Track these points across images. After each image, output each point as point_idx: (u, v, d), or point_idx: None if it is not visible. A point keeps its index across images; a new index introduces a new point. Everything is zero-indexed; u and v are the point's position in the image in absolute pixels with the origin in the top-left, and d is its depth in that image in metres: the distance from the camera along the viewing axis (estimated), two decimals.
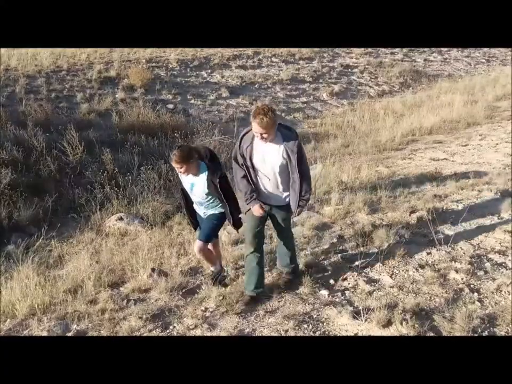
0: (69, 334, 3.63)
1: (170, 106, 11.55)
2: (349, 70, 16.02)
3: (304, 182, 3.65)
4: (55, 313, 3.97)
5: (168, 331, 3.54)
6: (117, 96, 11.31)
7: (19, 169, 7.59)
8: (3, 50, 12.31)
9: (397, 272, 4.08)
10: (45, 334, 3.63)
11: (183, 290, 4.16)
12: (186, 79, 13.14)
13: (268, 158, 3.60)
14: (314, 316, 3.52)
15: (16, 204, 6.90)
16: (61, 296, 4.27)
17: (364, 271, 4.12)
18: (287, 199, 3.78)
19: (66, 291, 4.40)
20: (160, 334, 3.50)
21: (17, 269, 4.97)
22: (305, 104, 13.22)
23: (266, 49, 16.02)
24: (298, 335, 3.32)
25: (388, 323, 3.26)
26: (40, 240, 6.05)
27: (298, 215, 3.88)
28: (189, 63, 14.03)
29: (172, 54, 14.28)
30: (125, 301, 4.07)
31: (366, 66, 16.33)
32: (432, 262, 4.24)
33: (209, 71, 13.94)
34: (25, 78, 10.98)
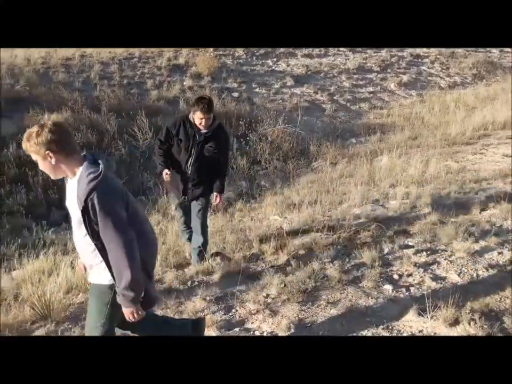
0: None
1: (236, 94, 11.67)
2: (419, 60, 15.45)
3: (114, 267, 2.35)
4: None
5: (230, 314, 3.63)
6: (184, 83, 11.57)
7: (93, 152, 7.97)
8: None
9: (465, 270, 3.94)
10: None
11: (245, 276, 4.22)
12: (252, 68, 13.22)
13: (69, 208, 2.46)
14: (378, 310, 3.48)
15: None
16: None
17: (430, 267, 4.02)
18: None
19: None
20: (223, 317, 3.59)
21: None
22: (371, 94, 12.93)
23: None
24: (364, 334, 3.30)
25: (455, 322, 3.18)
26: None
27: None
28: (255, 51, 14.08)
29: None
30: (190, 282, 4.21)
31: (438, 56, 15.68)
32: (503, 262, 4.07)
33: (274, 59, 13.93)
34: (99, 64, 11.48)
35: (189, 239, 4.66)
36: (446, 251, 4.24)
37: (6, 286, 4.26)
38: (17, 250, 5.51)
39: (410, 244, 4.48)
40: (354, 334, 3.25)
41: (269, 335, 3.35)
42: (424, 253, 4.25)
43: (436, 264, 4.07)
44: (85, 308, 4.00)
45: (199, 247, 4.47)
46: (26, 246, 5.62)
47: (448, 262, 4.07)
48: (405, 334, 3.20)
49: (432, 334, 3.17)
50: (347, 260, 4.29)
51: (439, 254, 4.22)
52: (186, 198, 4.34)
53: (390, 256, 4.28)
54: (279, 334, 3.31)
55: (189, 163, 4.18)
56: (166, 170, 4.17)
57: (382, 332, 3.24)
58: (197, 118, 4.01)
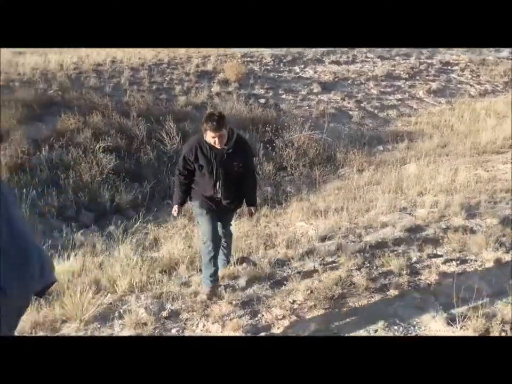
0: (164, 313, 3.86)
1: (262, 100, 11.73)
2: (449, 67, 15.25)
3: None
4: (151, 292, 4.23)
5: (256, 319, 3.64)
6: (212, 89, 11.68)
7: (122, 156, 8.13)
8: None
9: (496, 281, 3.86)
10: (142, 311, 3.89)
11: (271, 281, 4.23)
12: (279, 74, 13.26)
13: None
14: (405, 318, 3.44)
15: (118, 188, 7.41)
16: (157, 276, 4.54)
17: (460, 277, 3.95)
18: None
19: (161, 272, 4.66)
20: (249, 321, 3.60)
21: (117, 248, 5.36)
22: (399, 102, 12.80)
23: None
24: (388, 334, 3.27)
25: (486, 332, 3.11)
26: (138, 223, 6.47)
27: None
28: (282, 58, 14.13)
29: (267, 50, 14.45)
30: None
31: (468, 64, 15.45)
32: None
33: (302, 66, 13.95)
34: (129, 70, 11.70)
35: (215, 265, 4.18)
36: (476, 261, 4.17)
37: None
38: (48, 251, 5.65)
39: (439, 253, 4.41)
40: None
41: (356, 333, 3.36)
42: (454, 262, 4.18)
43: (465, 273, 4.00)
44: (113, 308, 4.08)
45: (226, 259, 4.48)
46: (57, 247, 5.76)
47: (478, 272, 4.00)
48: None
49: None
50: (374, 267, 4.25)
51: (468, 264, 4.15)
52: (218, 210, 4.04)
53: (418, 265, 4.23)
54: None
55: (218, 186, 3.87)
56: (175, 207, 4.06)
57: None
58: (209, 137, 3.70)
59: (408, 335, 3.23)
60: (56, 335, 3.60)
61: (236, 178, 3.91)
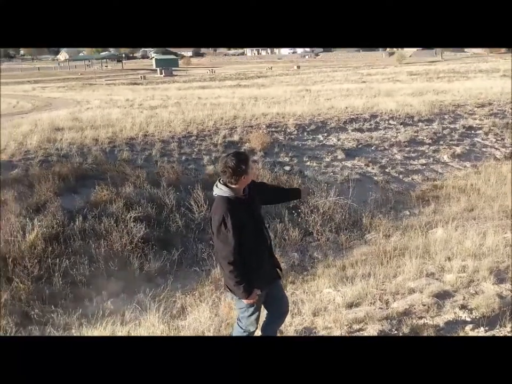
0: None
1: (287, 168, 12.00)
2: (472, 131, 15.38)
3: None
4: None
5: None
6: None
7: (151, 224, 8.37)
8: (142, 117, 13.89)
9: None
10: None
11: None
12: (303, 142, 13.62)
13: None
14: None
15: (147, 256, 7.58)
16: None
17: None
18: None
19: None
20: None
21: (144, 317, 5.43)
22: (424, 166, 12.89)
23: (384, 111, 16.07)
24: None
25: None
26: (166, 291, 6.56)
27: None
28: (306, 127, 14.56)
29: (291, 120, 14.96)
30: None
31: (491, 127, 15.56)
32: None
33: (325, 134, 14.31)
34: (160, 143, 12.23)
35: None
36: (505, 327, 4.07)
37: None
38: (78, 320, 5.76)
39: (467, 319, 4.33)
40: None
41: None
42: (482, 328, 4.09)
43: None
44: None
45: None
46: (87, 316, 5.88)
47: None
48: None
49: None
50: (401, 334, 4.19)
51: (497, 330, 4.05)
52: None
53: (446, 332, 4.15)
54: None
55: (269, 242, 3.53)
56: (257, 291, 3.32)
57: None
58: (246, 182, 3.34)
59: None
60: (55, 335, 3.52)
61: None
